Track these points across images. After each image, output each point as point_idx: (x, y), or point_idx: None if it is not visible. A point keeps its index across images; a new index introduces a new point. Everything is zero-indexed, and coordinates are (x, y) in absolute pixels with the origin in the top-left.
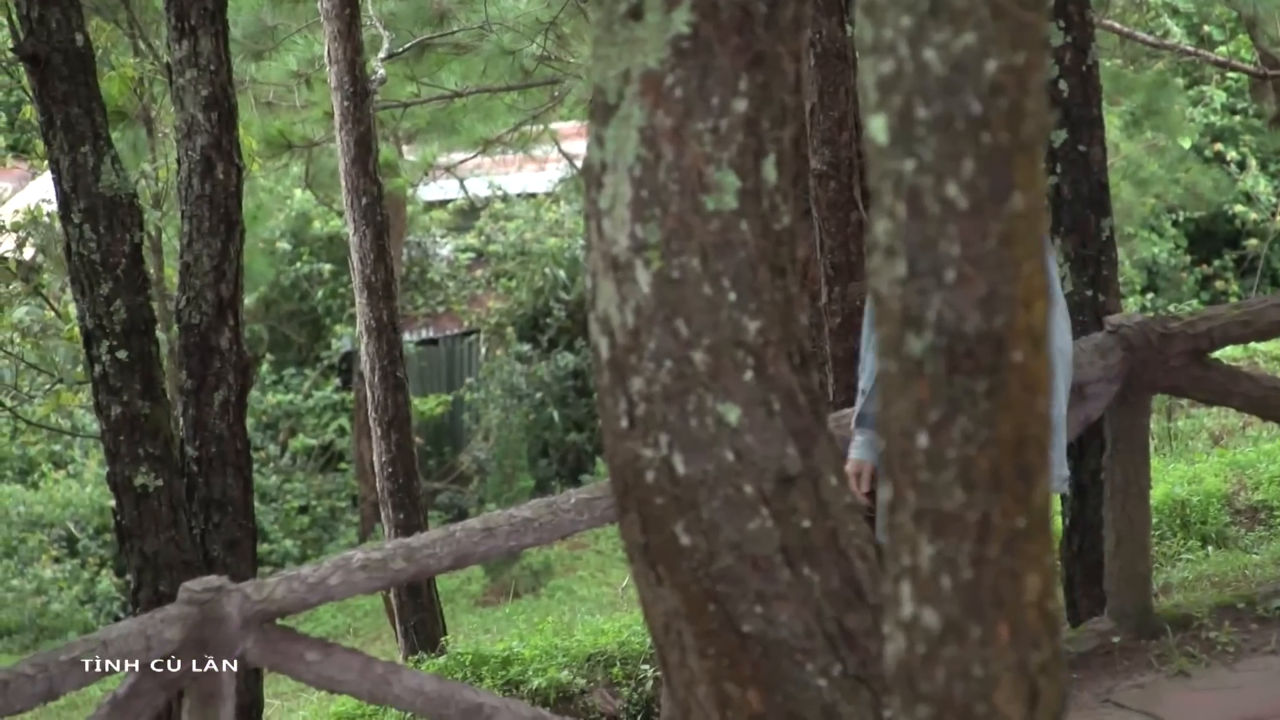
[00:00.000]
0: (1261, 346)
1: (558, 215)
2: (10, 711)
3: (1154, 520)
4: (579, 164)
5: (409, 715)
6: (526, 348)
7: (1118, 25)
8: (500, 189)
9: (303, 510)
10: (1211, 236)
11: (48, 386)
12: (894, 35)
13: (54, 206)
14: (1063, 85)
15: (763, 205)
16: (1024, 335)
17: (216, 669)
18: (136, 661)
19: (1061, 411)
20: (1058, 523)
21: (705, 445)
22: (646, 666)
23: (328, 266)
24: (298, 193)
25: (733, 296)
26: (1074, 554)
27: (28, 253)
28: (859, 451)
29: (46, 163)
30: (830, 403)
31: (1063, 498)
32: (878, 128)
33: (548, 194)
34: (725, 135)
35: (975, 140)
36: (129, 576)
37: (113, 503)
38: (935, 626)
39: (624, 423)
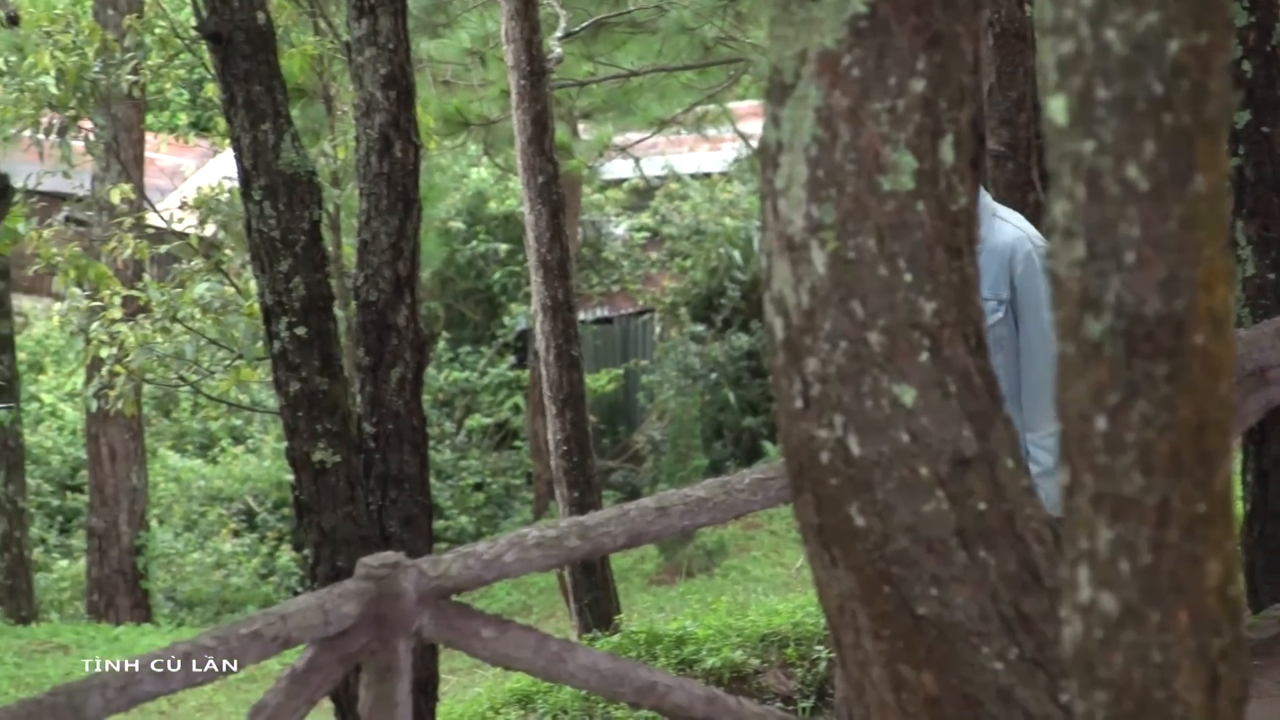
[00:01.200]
0: None
1: (733, 195)
2: (193, 683)
3: None
4: (755, 144)
5: (583, 693)
6: (701, 328)
7: None
8: (675, 169)
9: (478, 487)
10: None
11: (228, 362)
12: (1074, 15)
13: (235, 184)
14: (1246, 66)
15: (939, 186)
16: (1205, 318)
17: (393, 644)
18: (314, 636)
19: None
20: (1239, 508)
21: (880, 427)
22: (821, 648)
23: (504, 246)
24: (474, 171)
25: (908, 277)
26: (1255, 540)
27: (209, 229)
28: None
29: (228, 140)
30: None
31: (1244, 483)
32: (1057, 108)
33: (723, 174)
34: (902, 115)
35: (1157, 121)
36: (307, 551)
37: (291, 478)
38: (1113, 611)
39: (799, 403)
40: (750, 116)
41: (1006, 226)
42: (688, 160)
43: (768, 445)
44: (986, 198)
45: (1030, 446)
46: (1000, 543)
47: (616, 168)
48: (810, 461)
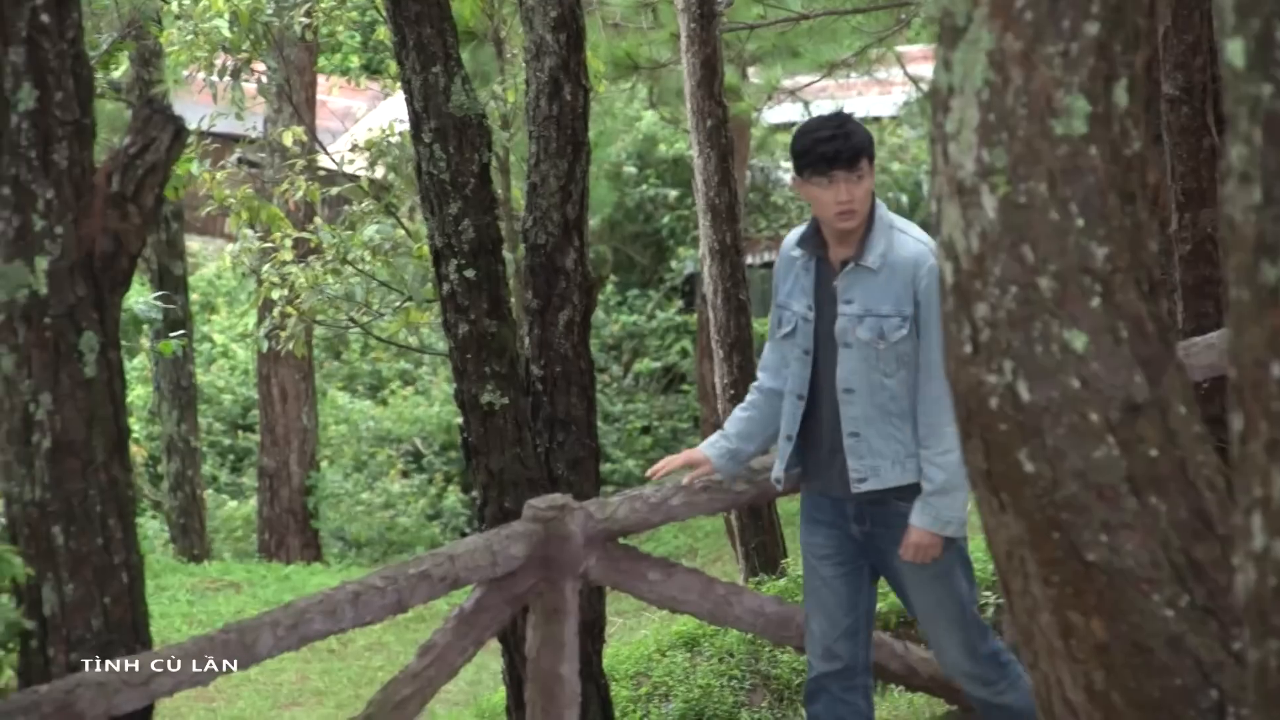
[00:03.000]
0: None
1: (902, 139)
2: (361, 623)
3: None
4: (925, 87)
5: (749, 636)
6: None
7: None
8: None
9: (645, 431)
10: None
11: (397, 304)
12: None
13: (405, 126)
14: None
15: (1113, 130)
16: None
17: (560, 586)
18: (482, 576)
19: None
20: None
21: (1050, 372)
22: (989, 593)
23: (673, 191)
24: (645, 115)
25: (1080, 222)
26: None
27: (379, 172)
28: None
29: (399, 83)
30: (1178, 331)
31: None
32: (1235, 51)
33: (892, 118)
34: (1076, 59)
35: None
36: (475, 493)
37: (460, 420)
38: None
39: (968, 348)
40: (921, 60)
41: (907, 240)
42: (857, 104)
43: None
44: (883, 208)
45: (924, 465)
46: (1171, 489)
47: (785, 111)
48: (979, 406)
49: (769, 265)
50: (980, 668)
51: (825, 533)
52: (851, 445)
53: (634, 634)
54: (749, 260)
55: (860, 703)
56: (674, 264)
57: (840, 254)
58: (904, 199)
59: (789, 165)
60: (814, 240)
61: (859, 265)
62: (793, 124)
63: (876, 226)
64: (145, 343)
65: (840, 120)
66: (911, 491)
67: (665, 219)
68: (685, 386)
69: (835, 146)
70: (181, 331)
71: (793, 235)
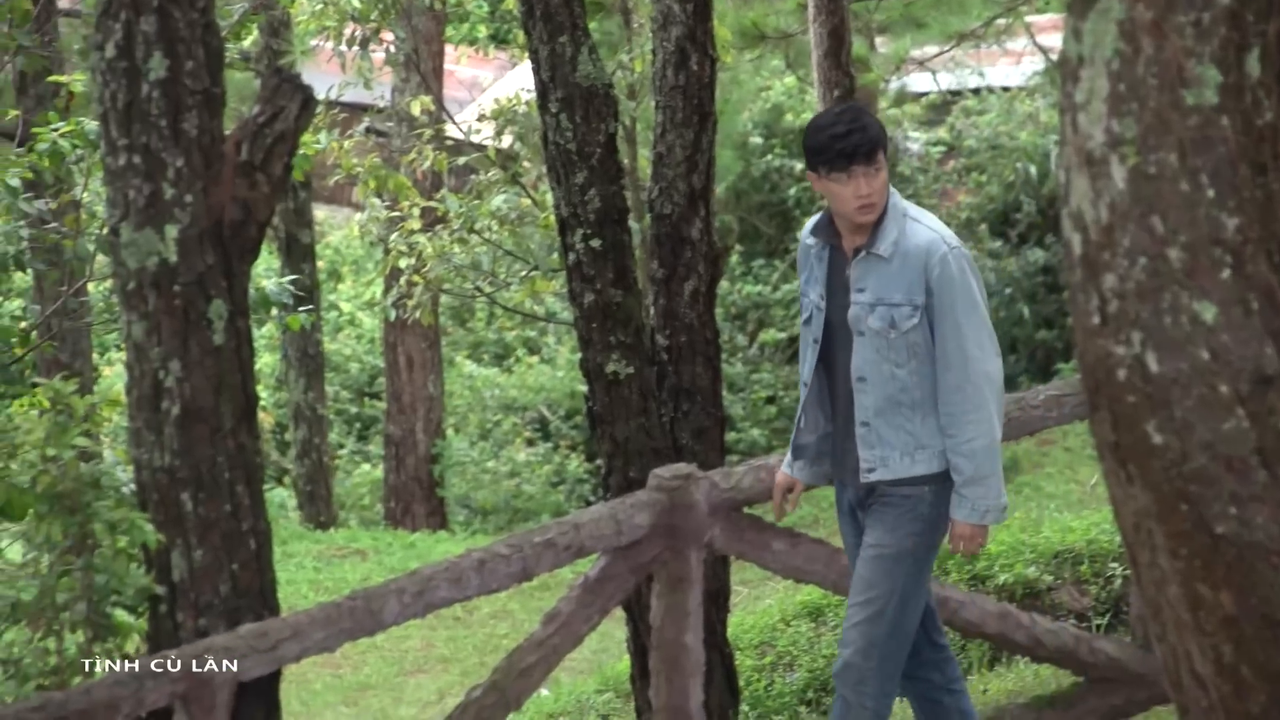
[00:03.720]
0: None
1: (1031, 109)
2: (487, 590)
3: None
4: (1054, 57)
5: None
6: (998, 243)
7: None
8: (972, 83)
9: (770, 400)
10: None
11: (523, 273)
12: None
13: (532, 96)
14: None
15: (1245, 100)
16: None
17: (685, 555)
18: (607, 545)
19: (997, 438)
20: None
21: (1179, 343)
22: (1115, 565)
23: (799, 162)
24: (772, 84)
25: (1211, 193)
26: None
27: (506, 141)
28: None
29: (526, 53)
30: None
31: None
32: None
33: (1021, 88)
34: (1207, 28)
35: None
36: (600, 462)
37: (585, 389)
38: None
39: (1096, 319)
40: (1050, 30)
41: (920, 228)
42: (987, 74)
43: (1061, 362)
44: (896, 197)
45: (951, 456)
46: None
47: (913, 82)
48: (1107, 378)
49: None
50: (867, 663)
51: (845, 521)
52: (862, 435)
53: (758, 603)
54: None
55: (934, 675)
56: (799, 234)
57: (854, 242)
58: (1032, 169)
59: (917, 135)
60: (828, 229)
61: (871, 253)
62: (920, 94)
63: (890, 215)
64: (274, 312)
65: (855, 114)
66: (910, 483)
67: (791, 189)
68: None
69: (853, 141)
70: (309, 306)
71: (810, 223)
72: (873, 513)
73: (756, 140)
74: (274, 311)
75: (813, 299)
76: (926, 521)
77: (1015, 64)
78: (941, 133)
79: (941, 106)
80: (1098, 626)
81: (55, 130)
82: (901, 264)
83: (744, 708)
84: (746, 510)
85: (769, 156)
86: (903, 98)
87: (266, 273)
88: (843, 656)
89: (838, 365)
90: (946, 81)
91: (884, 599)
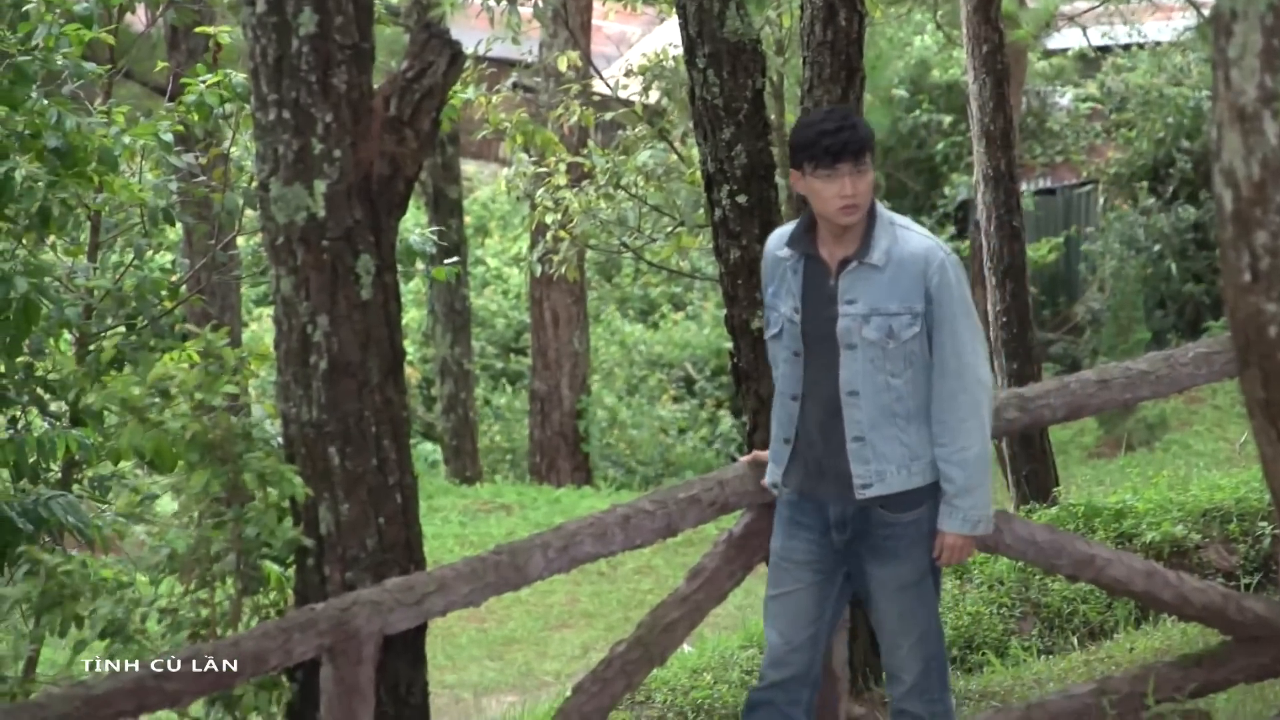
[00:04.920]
0: None
1: (1182, 64)
2: (631, 546)
3: None
4: (1207, 12)
5: (1019, 564)
6: (1150, 200)
7: None
8: (1123, 38)
9: None
10: None
11: (669, 229)
12: None
13: (679, 51)
14: None
15: None
16: None
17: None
18: (752, 501)
19: (988, 447)
20: None
21: None
22: (1264, 524)
23: (947, 118)
24: (917, 40)
25: None
26: None
27: (653, 96)
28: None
29: (673, 7)
30: None
31: None
32: None
33: (1172, 43)
34: None
35: None
36: (745, 418)
37: (730, 345)
38: None
39: (1247, 276)
40: None
41: (912, 236)
42: (1136, 29)
43: (1211, 319)
44: (881, 206)
45: (942, 464)
46: None
47: (1063, 37)
48: (1258, 335)
49: (1043, 192)
50: (928, 679)
51: (806, 538)
52: (856, 450)
53: None
54: (1023, 187)
55: (801, 718)
56: (947, 190)
57: (837, 253)
58: (1184, 124)
59: (1066, 91)
60: (804, 240)
61: (863, 263)
62: (1070, 49)
63: (878, 223)
64: (420, 266)
65: (844, 113)
66: (906, 499)
67: (939, 145)
68: None
69: (843, 139)
70: (456, 259)
71: (779, 234)
72: (880, 547)
73: (903, 95)
74: (420, 265)
75: (784, 312)
76: (930, 538)
77: (1166, 19)
78: (1091, 88)
79: (1091, 62)
80: (1246, 585)
81: (203, 83)
82: (896, 272)
83: None
84: None
85: (916, 112)
86: (1052, 53)
87: (414, 228)
88: (905, 682)
89: (811, 380)
90: (1096, 37)
91: (925, 621)
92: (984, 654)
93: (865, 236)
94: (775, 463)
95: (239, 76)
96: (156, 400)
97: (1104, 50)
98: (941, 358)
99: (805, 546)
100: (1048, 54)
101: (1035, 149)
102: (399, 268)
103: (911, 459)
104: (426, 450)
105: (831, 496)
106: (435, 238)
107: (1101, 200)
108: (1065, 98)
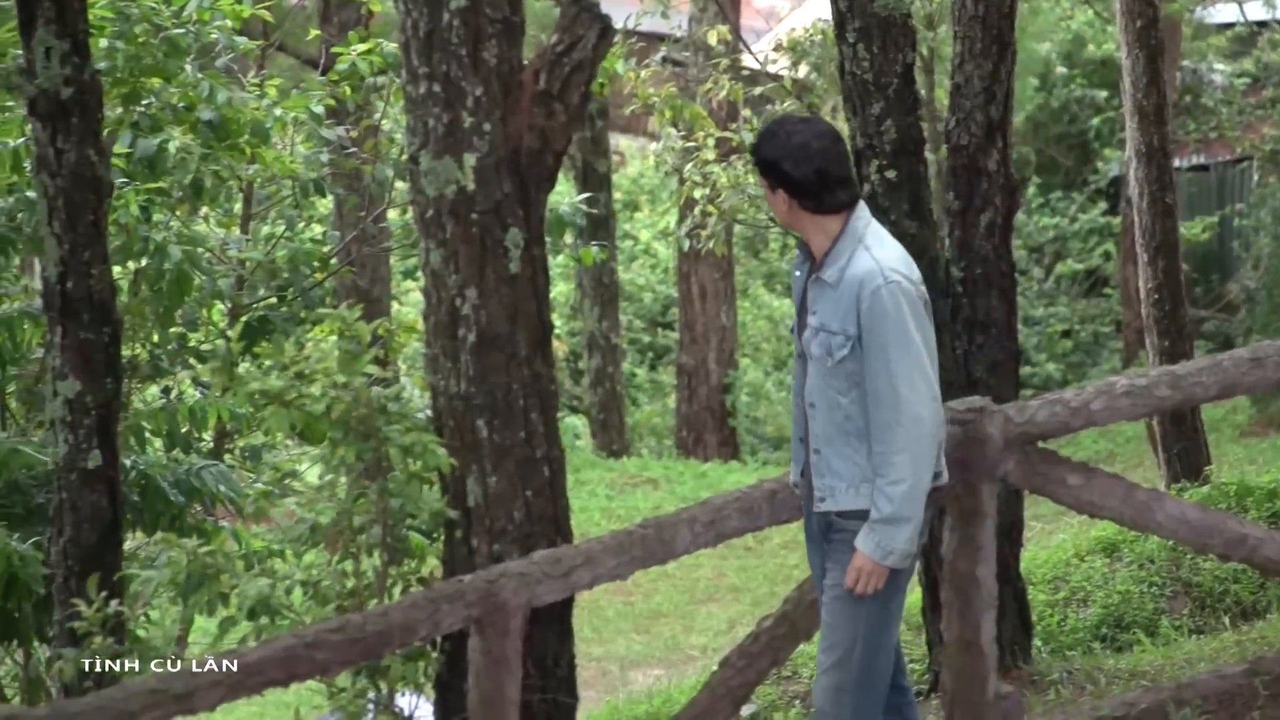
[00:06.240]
0: None
1: None
2: (777, 521)
3: None
4: None
5: (1170, 543)
6: None
7: None
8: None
9: (1065, 334)
10: None
11: None
12: None
13: (829, 25)
14: None
15: None
16: None
17: (977, 488)
18: None
19: (922, 484)
20: None
21: None
22: None
23: (1101, 93)
24: (1073, 14)
25: None
26: None
27: (802, 71)
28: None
29: None
30: None
31: None
32: None
33: None
34: None
35: None
36: None
37: None
38: None
39: None
40: None
41: (864, 257)
42: None
43: None
44: (859, 224)
45: (875, 492)
46: None
47: (1219, 11)
48: None
49: (1197, 169)
50: (836, 712)
51: (812, 547)
52: (815, 462)
53: (1051, 538)
54: (1176, 163)
55: None
56: (1099, 166)
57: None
58: None
59: (1221, 67)
60: (805, 247)
61: (819, 277)
62: (1226, 25)
63: (843, 239)
64: (568, 240)
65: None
66: (859, 516)
67: (1092, 120)
68: (1108, 290)
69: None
70: (603, 243)
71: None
72: (832, 550)
73: (1057, 70)
74: (568, 240)
75: (795, 316)
76: None
77: None
78: (1247, 64)
79: (1247, 38)
80: None
81: (355, 52)
82: (844, 292)
83: (1036, 642)
84: (1040, 444)
85: (1069, 87)
86: (1206, 29)
87: (563, 202)
88: (815, 704)
89: (800, 387)
90: (1253, 12)
91: (848, 643)
92: (1134, 633)
93: (828, 252)
94: (795, 461)
95: (390, 46)
96: (295, 383)
97: (1261, 25)
98: (875, 387)
99: (814, 554)
100: (1203, 30)
101: (1189, 125)
102: (548, 241)
103: (862, 480)
104: (573, 424)
105: (809, 505)
106: (584, 207)
107: (1256, 177)
108: (1220, 74)
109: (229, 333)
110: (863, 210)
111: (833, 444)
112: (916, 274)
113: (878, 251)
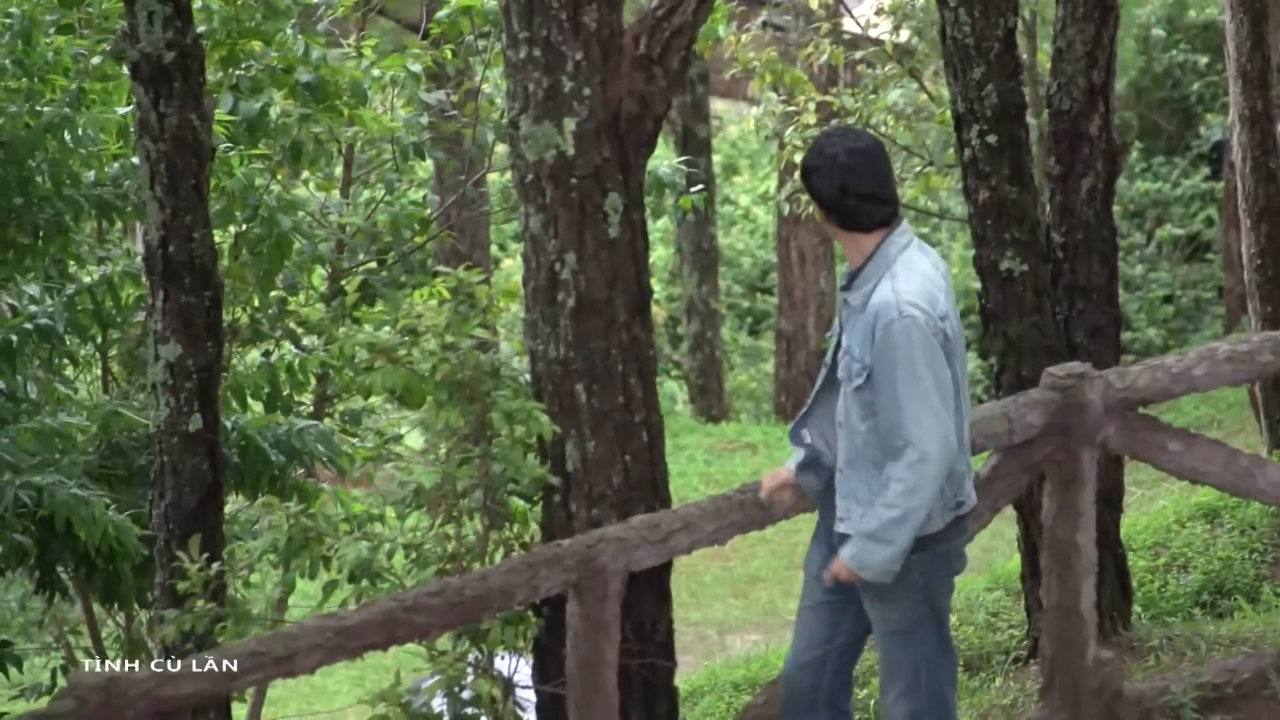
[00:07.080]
0: None
1: None
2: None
3: None
4: None
5: (1272, 509)
6: None
7: None
8: None
9: (1167, 300)
10: None
11: (918, 168)
12: None
13: None
14: None
15: None
16: None
17: (1077, 454)
18: (999, 443)
19: (915, 518)
20: None
21: None
22: None
23: (1203, 58)
24: None
25: None
26: None
27: (903, 36)
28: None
29: None
30: None
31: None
32: None
33: None
34: None
35: None
36: (992, 359)
37: (978, 285)
38: None
39: None
40: None
41: (886, 287)
42: None
43: None
44: (892, 248)
45: (873, 506)
46: None
47: None
48: None
49: None
50: None
51: (819, 551)
52: (837, 481)
53: (1152, 504)
54: None
55: None
56: (1202, 131)
57: None
58: None
59: None
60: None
61: (847, 300)
62: None
63: (874, 261)
64: (668, 204)
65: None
66: None
67: (1194, 85)
68: (1210, 255)
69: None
70: (701, 185)
71: None
72: (869, 584)
73: (1159, 34)
74: (669, 202)
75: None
76: (924, 590)
77: None
78: None
79: None
80: None
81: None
82: (866, 318)
83: (1136, 609)
84: (1141, 410)
85: (1172, 52)
86: None
87: (663, 165)
88: None
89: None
90: None
91: (911, 673)
92: (1235, 599)
93: (859, 272)
94: (794, 448)
95: (490, 3)
96: (405, 340)
97: None
98: (885, 419)
99: (818, 559)
100: None
101: None
102: (648, 203)
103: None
104: (672, 389)
105: (832, 516)
106: (685, 168)
107: None
108: None
109: (346, 287)
110: (901, 233)
111: (854, 466)
112: (941, 307)
113: (900, 282)
